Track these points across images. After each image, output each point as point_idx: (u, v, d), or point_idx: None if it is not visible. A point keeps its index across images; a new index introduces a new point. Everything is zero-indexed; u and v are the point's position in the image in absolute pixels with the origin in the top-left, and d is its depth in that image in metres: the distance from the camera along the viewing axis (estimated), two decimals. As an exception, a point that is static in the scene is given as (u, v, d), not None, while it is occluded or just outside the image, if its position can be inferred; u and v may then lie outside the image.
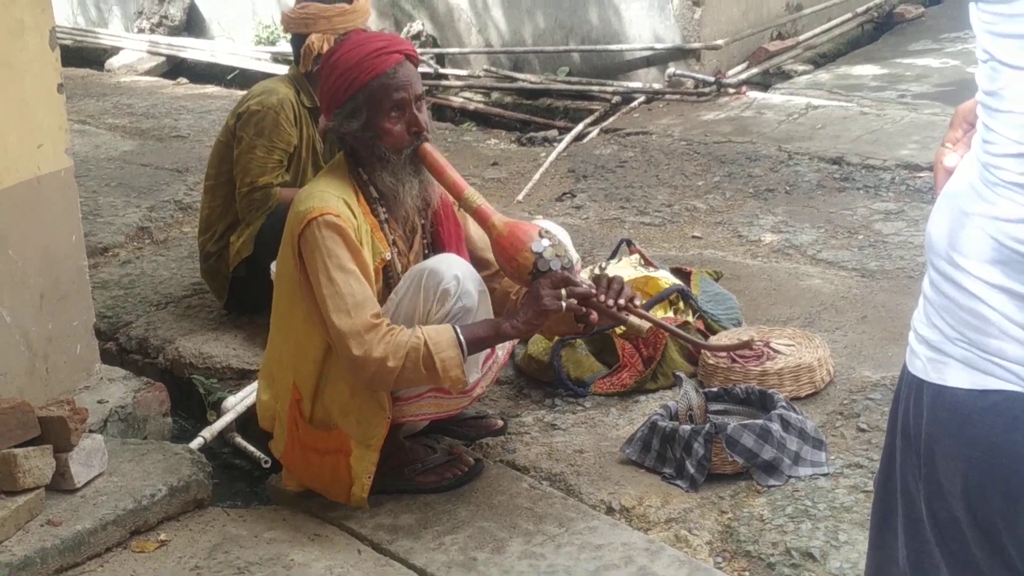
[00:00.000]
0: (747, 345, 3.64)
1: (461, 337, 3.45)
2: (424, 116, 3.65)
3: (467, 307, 3.56)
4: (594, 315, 3.50)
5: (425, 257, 3.78)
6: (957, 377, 1.78)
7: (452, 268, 3.57)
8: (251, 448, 4.39)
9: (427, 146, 3.64)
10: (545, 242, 3.48)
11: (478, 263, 3.82)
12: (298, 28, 4.93)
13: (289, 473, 3.88)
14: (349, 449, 3.62)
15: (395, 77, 3.57)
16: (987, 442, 1.74)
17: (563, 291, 3.45)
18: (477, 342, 3.50)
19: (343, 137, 3.66)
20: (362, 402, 3.58)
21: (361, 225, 3.58)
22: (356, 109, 3.58)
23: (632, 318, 3.49)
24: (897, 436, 1.94)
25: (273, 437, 3.87)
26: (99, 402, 4.22)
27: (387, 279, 3.67)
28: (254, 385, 4.51)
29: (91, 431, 3.83)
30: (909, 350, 1.90)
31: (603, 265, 4.75)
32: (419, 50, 9.18)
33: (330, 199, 3.54)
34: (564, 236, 3.67)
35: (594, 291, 3.49)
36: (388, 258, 3.66)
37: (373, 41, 3.66)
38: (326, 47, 4.74)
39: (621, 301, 3.48)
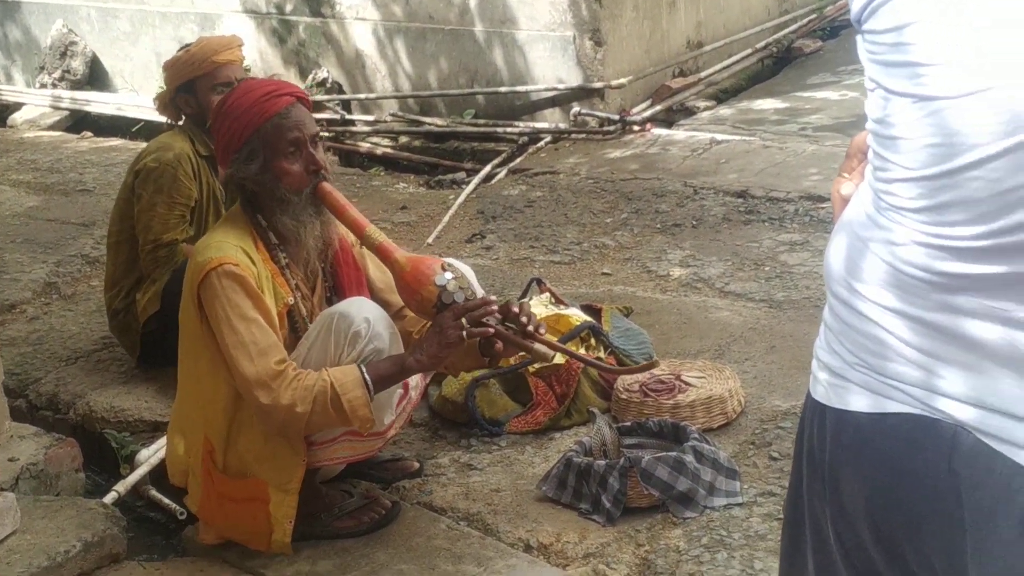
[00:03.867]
0: (653, 365, 3.65)
1: (367, 376, 3.45)
2: (321, 155, 3.67)
3: (378, 348, 3.56)
4: (499, 344, 3.50)
5: (329, 301, 3.79)
6: (858, 401, 1.81)
7: (362, 311, 3.58)
8: (166, 500, 4.34)
9: (326, 185, 3.65)
10: (448, 275, 3.50)
11: (380, 303, 3.82)
12: (181, 75, 4.95)
13: (206, 526, 3.85)
14: (267, 496, 3.60)
15: (288, 117, 3.59)
16: (888, 464, 1.77)
17: (465, 321, 3.47)
18: (383, 379, 3.50)
19: (242, 183, 3.65)
20: (276, 447, 3.57)
21: (261, 272, 3.57)
22: (253, 152, 3.59)
23: (537, 346, 3.48)
24: (803, 461, 1.97)
25: (188, 492, 3.84)
26: (10, 460, 4.16)
27: (292, 324, 3.67)
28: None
29: (2, 489, 3.79)
30: (812, 376, 1.93)
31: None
32: (325, 97, 9.21)
33: (228, 248, 3.54)
34: (468, 272, 3.69)
35: (499, 320, 3.49)
36: (291, 303, 3.65)
37: (263, 86, 3.69)
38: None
39: (529, 328, 3.47)
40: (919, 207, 1.70)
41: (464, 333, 3.45)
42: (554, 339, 4.21)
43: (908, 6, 1.68)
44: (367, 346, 3.54)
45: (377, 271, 3.90)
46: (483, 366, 3.79)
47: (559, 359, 4.45)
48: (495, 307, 3.48)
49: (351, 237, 3.84)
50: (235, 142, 3.61)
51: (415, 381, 3.86)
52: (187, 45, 5.10)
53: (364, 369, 3.47)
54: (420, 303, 3.54)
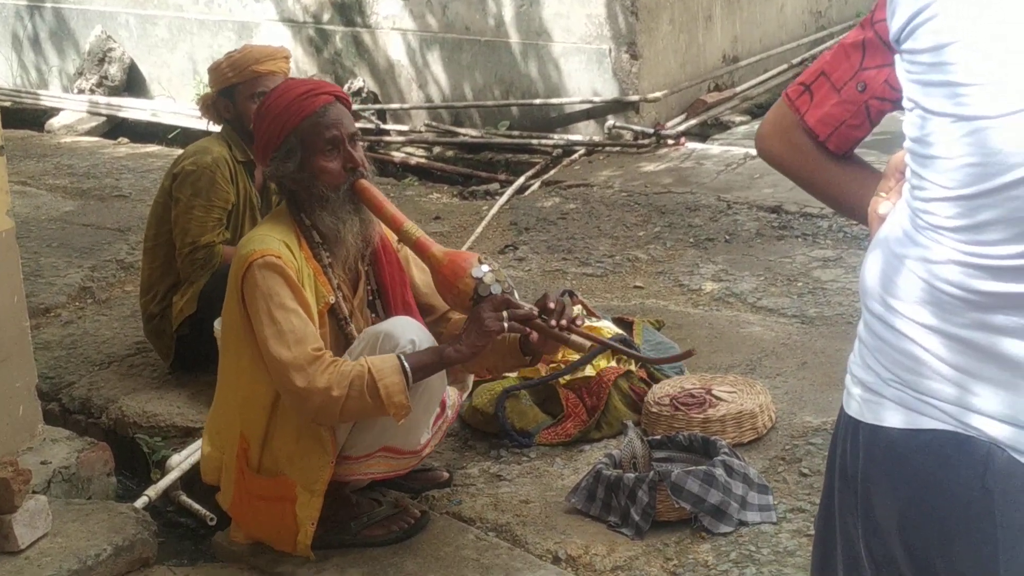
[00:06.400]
0: (690, 354, 3.65)
1: (405, 364, 3.46)
2: (359, 153, 3.70)
3: None
4: (534, 334, 3.54)
5: (371, 304, 3.82)
6: (892, 417, 1.80)
7: (407, 332, 3.60)
8: (196, 506, 4.36)
9: (364, 182, 3.68)
10: (485, 267, 3.53)
11: (424, 308, 3.89)
12: (222, 80, 4.99)
13: (237, 525, 3.88)
14: (294, 496, 3.62)
15: (325, 116, 3.63)
16: (921, 481, 1.77)
17: (504, 313, 3.49)
18: (422, 368, 3.51)
19: (282, 182, 3.70)
20: (307, 446, 3.59)
21: (303, 268, 3.60)
22: (291, 151, 3.63)
23: (574, 337, 3.52)
24: (835, 477, 1.96)
25: (220, 490, 3.86)
26: (42, 463, 4.19)
27: (337, 321, 3.68)
28: (199, 443, 4.49)
29: (35, 492, 3.81)
30: (845, 392, 1.93)
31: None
32: (360, 106, 9.22)
33: (270, 241, 3.57)
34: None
35: (536, 312, 3.52)
36: (332, 301, 3.67)
37: (301, 85, 3.74)
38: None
39: (563, 321, 3.50)
40: (957, 226, 1.70)
41: (505, 324, 3.48)
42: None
43: (948, 26, 1.68)
44: None
45: (421, 275, 3.93)
46: (524, 365, 3.81)
47: (589, 371, 4.47)
48: (535, 316, 3.52)
49: (395, 240, 3.87)
50: (274, 140, 3.65)
51: (452, 399, 3.87)
52: (235, 51, 5.14)
53: (403, 357, 3.48)
54: (457, 296, 3.56)
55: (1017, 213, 1.64)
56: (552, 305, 3.52)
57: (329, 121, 3.63)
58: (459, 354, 3.52)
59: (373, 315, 3.84)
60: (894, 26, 1.78)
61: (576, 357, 4.50)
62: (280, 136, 3.63)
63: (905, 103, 1.80)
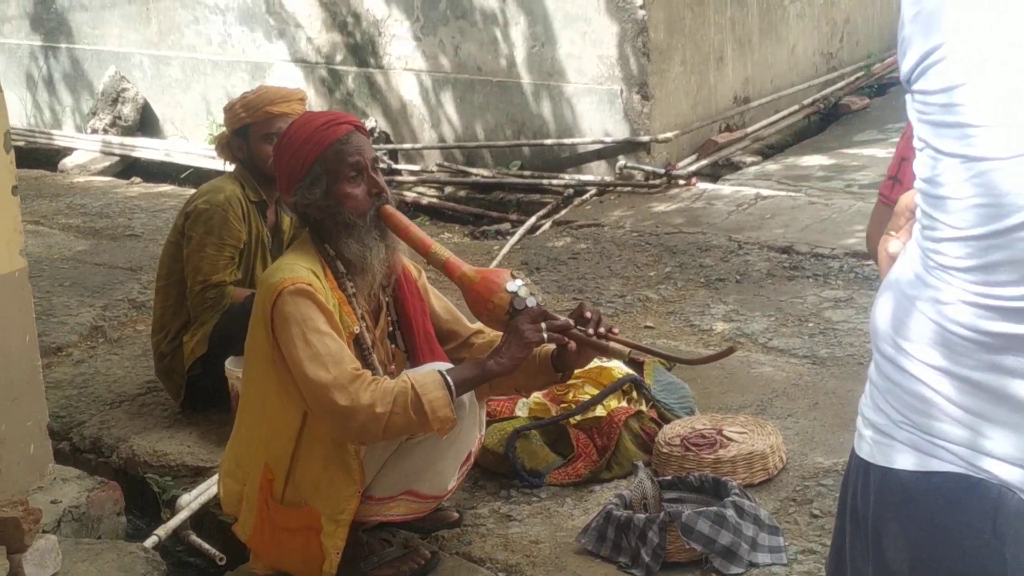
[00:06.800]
0: (730, 352, 3.64)
1: (448, 378, 3.49)
2: (381, 179, 3.74)
3: (453, 418, 3.58)
4: (572, 344, 3.57)
5: (391, 336, 3.84)
6: (903, 459, 1.80)
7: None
8: (206, 545, 4.36)
9: (389, 207, 3.72)
10: (519, 282, 3.58)
11: (445, 335, 3.92)
12: (236, 120, 5.01)
13: (256, 556, 3.86)
14: (320, 526, 3.61)
15: (349, 143, 3.67)
16: (932, 523, 1.77)
17: (543, 324, 3.53)
18: (465, 382, 3.54)
19: (306, 212, 3.71)
20: (333, 475, 3.59)
21: (329, 298, 3.60)
22: (316, 179, 3.65)
23: (613, 344, 3.54)
24: (846, 519, 1.96)
25: (237, 521, 3.83)
26: (53, 502, 4.19)
27: (361, 351, 3.68)
28: (209, 482, 4.50)
29: (45, 531, 3.80)
30: (857, 434, 1.93)
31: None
32: (372, 146, 9.24)
33: (299, 269, 3.59)
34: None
35: (572, 323, 3.56)
36: (357, 331, 3.68)
37: (321, 116, 3.77)
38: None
39: (601, 329, 3.54)
40: (967, 266, 1.70)
41: (545, 335, 3.52)
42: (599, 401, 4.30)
43: (958, 68, 1.68)
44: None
45: (440, 303, 3.99)
46: (555, 381, 3.84)
47: (600, 411, 4.47)
48: (572, 326, 3.57)
49: (413, 272, 3.92)
50: (298, 171, 3.67)
51: (476, 447, 3.87)
52: (251, 91, 5.16)
53: (444, 372, 3.52)
54: (492, 311, 3.58)
55: None
56: (588, 315, 3.57)
57: (352, 148, 3.67)
58: (500, 367, 3.54)
59: (393, 346, 3.85)
60: (905, 67, 1.79)
61: (590, 395, 4.51)
62: (305, 165, 3.66)
63: (916, 143, 1.80)
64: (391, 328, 3.86)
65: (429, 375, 3.50)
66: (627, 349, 3.61)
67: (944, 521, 1.76)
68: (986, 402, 1.70)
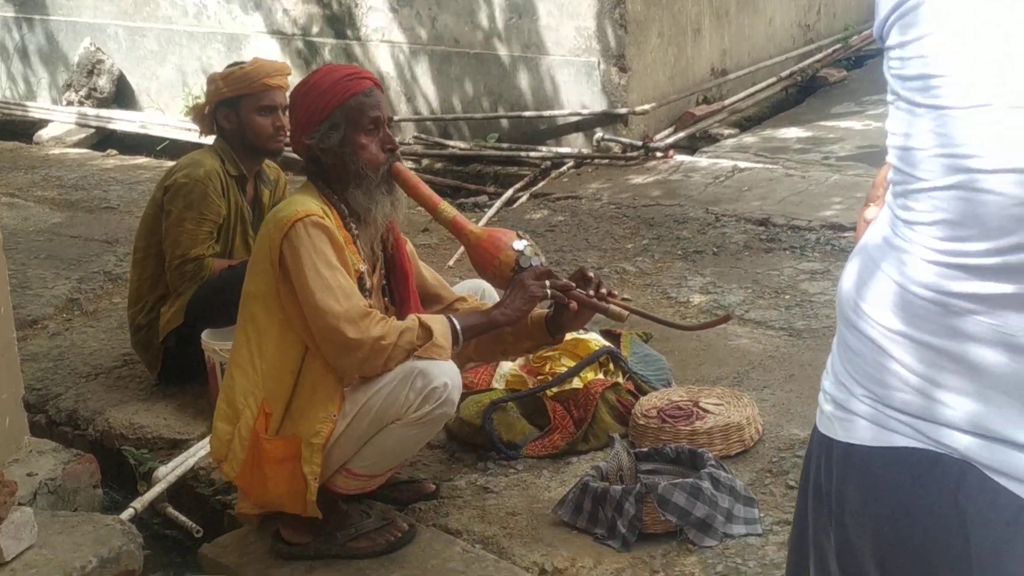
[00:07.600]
0: (726, 319, 3.92)
1: (456, 323, 3.70)
2: (395, 138, 3.82)
3: (447, 414, 3.67)
4: (573, 304, 3.72)
5: (382, 290, 3.91)
6: (863, 434, 1.81)
7: (444, 372, 3.63)
8: (183, 518, 4.36)
9: (400, 164, 3.82)
10: (524, 242, 3.76)
11: (431, 298, 4.03)
12: (231, 89, 4.97)
13: (244, 494, 3.88)
14: (300, 453, 3.63)
15: (371, 96, 3.76)
16: (895, 499, 1.78)
17: (547, 282, 3.70)
18: (470, 328, 3.75)
19: (319, 156, 3.76)
20: (317, 400, 3.64)
21: (336, 234, 3.65)
22: (335, 125, 3.73)
23: (612, 306, 3.75)
24: (809, 494, 1.97)
25: (223, 463, 3.77)
26: (28, 475, 4.18)
27: (362, 292, 3.70)
28: (186, 454, 4.51)
29: (20, 504, 3.80)
30: (818, 409, 1.94)
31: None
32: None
33: (311, 204, 3.66)
34: None
35: (574, 284, 3.74)
36: (362, 270, 3.74)
37: (345, 68, 3.88)
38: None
39: (602, 291, 3.74)
40: (932, 220, 1.70)
41: (548, 291, 3.70)
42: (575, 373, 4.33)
43: (924, 18, 1.69)
44: (437, 408, 3.60)
45: (427, 269, 4.12)
46: (549, 343, 4.00)
47: (577, 383, 4.48)
48: (574, 287, 3.76)
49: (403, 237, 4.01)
50: (317, 115, 3.73)
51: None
52: (238, 63, 5.11)
53: (453, 318, 3.72)
54: (497, 267, 3.74)
55: (987, 208, 1.64)
56: (591, 275, 3.76)
57: (373, 101, 3.76)
58: (505, 317, 3.74)
59: (385, 299, 3.91)
60: (878, 21, 1.79)
61: (567, 367, 4.52)
62: (326, 110, 3.72)
63: (888, 96, 1.80)
64: (382, 282, 3.91)
65: (436, 317, 3.69)
66: (626, 312, 3.81)
67: (906, 497, 1.76)
68: (945, 370, 1.71)
